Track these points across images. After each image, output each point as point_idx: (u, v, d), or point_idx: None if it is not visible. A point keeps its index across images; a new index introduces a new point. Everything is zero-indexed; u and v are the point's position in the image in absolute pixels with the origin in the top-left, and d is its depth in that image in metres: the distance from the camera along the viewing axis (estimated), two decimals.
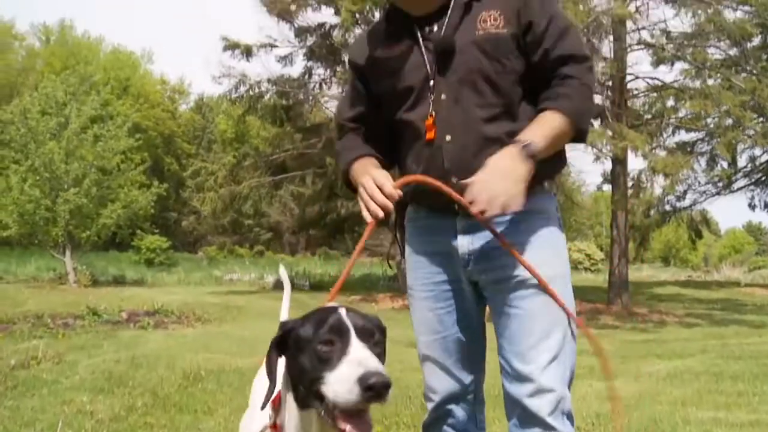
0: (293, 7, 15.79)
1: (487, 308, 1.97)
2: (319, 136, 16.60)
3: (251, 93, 16.34)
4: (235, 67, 16.27)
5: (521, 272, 1.79)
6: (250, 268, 28.20)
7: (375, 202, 1.72)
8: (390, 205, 1.72)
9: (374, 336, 1.39)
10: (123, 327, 8.88)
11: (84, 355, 6.37)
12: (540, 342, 1.77)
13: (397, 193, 1.73)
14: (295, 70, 17.28)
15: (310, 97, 16.99)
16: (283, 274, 2.00)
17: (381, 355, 1.38)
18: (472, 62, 1.78)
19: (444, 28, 1.83)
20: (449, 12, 1.83)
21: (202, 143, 45.19)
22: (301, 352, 1.39)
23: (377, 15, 15.22)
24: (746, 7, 14.03)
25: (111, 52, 43.59)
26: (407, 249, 2.04)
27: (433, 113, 1.81)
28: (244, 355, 6.71)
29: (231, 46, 15.94)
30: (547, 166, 1.82)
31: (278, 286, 18.76)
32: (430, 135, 1.81)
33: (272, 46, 16.39)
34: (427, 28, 1.85)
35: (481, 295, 1.93)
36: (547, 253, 1.83)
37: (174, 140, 42.72)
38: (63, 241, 16.91)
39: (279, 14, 15.70)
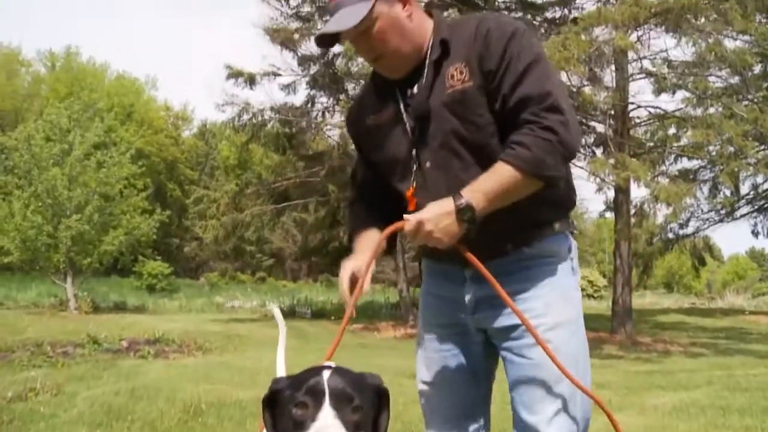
0: (296, 36, 15.92)
1: (498, 355, 1.93)
2: (322, 164, 16.63)
3: (254, 121, 16.42)
4: (239, 95, 16.42)
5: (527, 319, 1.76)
6: (251, 294, 28.16)
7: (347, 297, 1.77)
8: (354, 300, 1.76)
9: (353, 401, 1.31)
10: (123, 356, 8.81)
11: (83, 386, 6.30)
12: (546, 393, 1.74)
13: (365, 285, 1.75)
14: (298, 98, 17.44)
15: (313, 126, 17.06)
16: (278, 316, 1.94)
17: (361, 424, 1.32)
18: (446, 125, 1.74)
19: (419, 91, 1.79)
20: (424, 73, 1.79)
21: (205, 169, 45.33)
22: (281, 412, 1.37)
23: None
24: (746, 37, 14.13)
25: (115, 78, 43.96)
26: (422, 287, 2.05)
27: (414, 184, 1.81)
28: (245, 386, 6.64)
29: (234, 74, 16.05)
30: (555, 208, 1.81)
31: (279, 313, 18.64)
32: (411, 207, 1.79)
33: (275, 74, 16.50)
34: (409, 91, 1.82)
35: (490, 343, 1.90)
36: (553, 298, 1.79)
37: (177, 166, 42.89)
38: (64, 267, 16.89)
39: (282, 43, 15.82)
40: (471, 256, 1.71)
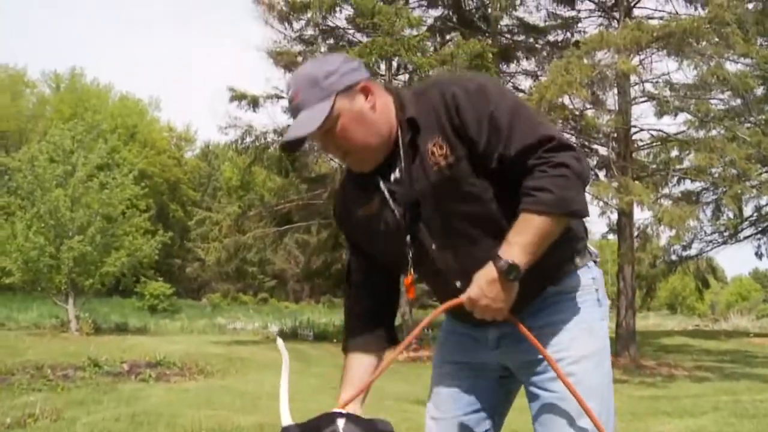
0: (300, 59, 16.01)
1: (510, 394, 1.95)
2: (325, 187, 16.65)
3: (257, 143, 16.47)
4: (242, 117, 16.43)
5: (551, 354, 1.74)
6: (253, 315, 28.10)
7: None
8: None
9: None
10: (124, 379, 8.75)
11: (83, 411, 6.25)
12: (570, 426, 1.72)
13: None
14: None
15: (315, 148, 17.10)
16: (282, 347, 1.90)
17: None
18: (442, 207, 1.70)
19: (401, 178, 1.73)
20: (400, 158, 1.72)
21: (208, 190, 45.44)
22: None
23: (383, 67, 15.44)
24: (747, 60, 14.20)
25: (119, 99, 44.22)
26: (443, 323, 2.02)
27: (411, 271, 1.77)
28: (246, 411, 6.59)
29: (238, 96, 16.13)
30: (572, 242, 1.79)
31: (282, 336, 18.49)
32: (410, 295, 1.77)
33: (278, 97, 16.56)
34: (392, 176, 1.75)
35: (505, 383, 1.90)
36: (577, 332, 1.77)
37: (179, 187, 43.01)
38: (66, 288, 16.85)
39: (285, 66, 15.91)
40: (515, 320, 1.70)
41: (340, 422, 1.32)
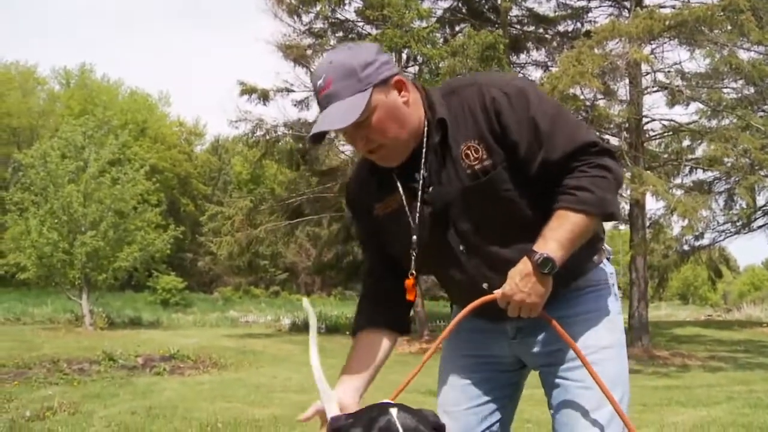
0: (309, 52, 16.00)
1: (520, 386, 1.95)
2: (336, 180, 16.65)
3: (268, 137, 16.49)
4: (252, 111, 16.44)
5: (565, 345, 1.75)
6: (265, 309, 28.20)
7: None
8: None
9: None
10: (139, 373, 8.83)
11: (100, 404, 6.31)
12: (590, 415, 1.73)
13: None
14: (311, 114, 17.42)
15: (326, 141, 17.11)
16: (308, 308, 1.83)
17: None
18: (474, 210, 1.67)
19: (428, 177, 1.69)
20: (423, 160, 1.68)
21: (218, 184, 45.55)
22: None
23: (393, 59, 15.39)
24: (761, 48, 14.05)
25: (129, 95, 44.33)
26: (453, 316, 2.01)
27: (414, 273, 1.75)
28: (260, 404, 6.64)
29: (248, 90, 16.14)
30: (595, 242, 1.79)
31: (294, 328, 18.66)
32: (410, 297, 1.75)
33: (289, 90, 16.59)
34: (416, 174, 1.70)
35: (515, 374, 1.91)
36: (597, 324, 1.79)
37: (190, 181, 43.12)
38: (79, 283, 16.97)
39: (295, 59, 15.91)
40: (548, 317, 1.69)
41: (393, 411, 1.32)
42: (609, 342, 1.78)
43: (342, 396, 1.71)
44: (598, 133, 14.11)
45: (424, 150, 1.68)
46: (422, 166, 1.68)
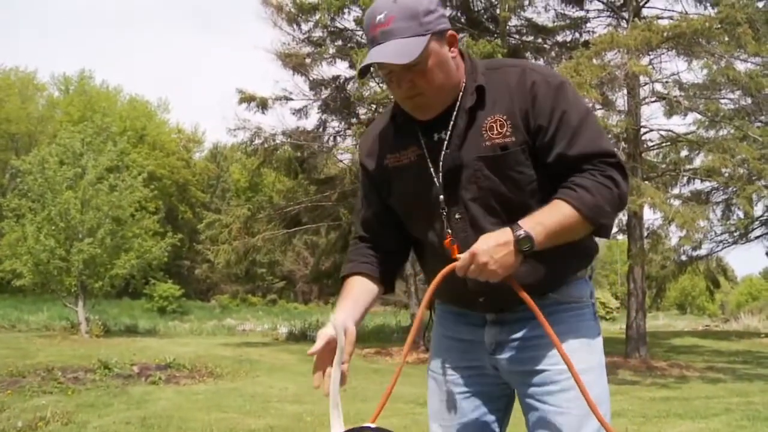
0: (308, 61, 16.00)
1: (512, 396, 1.92)
2: (334, 188, 16.64)
3: (266, 145, 16.47)
4: (251, 119, 16.43)
5: (550, 366, 1.73)
6: (262, 317, 28.15)
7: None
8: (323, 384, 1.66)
9: None
10: (134, 382, 8.78)
11: (94, 414, 6.27)
12: None
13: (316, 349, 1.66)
14: (310, 122, 17.51)
15: (325, 150, 17.10)
16: (339, 329, 1.76)
17: None
18: (482, 180, 1.68)
19: (449, 139, 1.71)
20: (453, 119, 1.70)
21: (216, 192, 45.54)
22: None
23: None
24: (757, 59, 14.09)
25: (128, 101, 44.37)
26: (434, 328, 1.98)
27: (449, 232, 1.73)
28: (256, 414, 6.59)
29: (246, 98, 16.13)
30: (585, 256, 1.79)
31: (291, 338, 18.61)
32: (454, 254, 1.69)
33: (287, 98, 16.57)
34: (435, 135, 1.73)
35: (506, 386, 1.86)
36: (578, 344, 1.75)
37: (188, 188, 43.12)
38: (76, 290, 16.91)
39: (294, 67, 15.91)
40: (518, 286, 1.65)
41: None
42: (589, 365, 1.75)
43: (345, 318, 1.70)
44: None
45: (455, 112, 1.70)
46: (449, 127, 1.70)
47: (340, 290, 1.87)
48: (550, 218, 1.60)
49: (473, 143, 1.68)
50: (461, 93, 1.71)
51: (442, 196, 1.72)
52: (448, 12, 16.70)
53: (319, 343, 1.66)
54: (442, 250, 1.73)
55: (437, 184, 1.72)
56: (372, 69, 1.69)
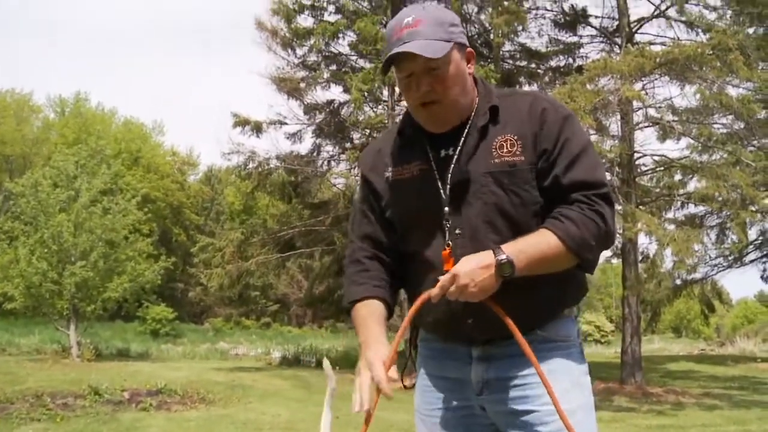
0: (303, 85, 16.07)
1: None
2: (328, 213, 16.62)
3: (260, 170, 16.47)
4: (245, 143, 16.47)
5: (537, 406, 1.70)
6: (256, 341, 27.95)
7: (380, 387, 1.63)
8: (370, 410, 1.65)
9: None
10: (124, 408, 8.67)
11: None
12: None
13: (391, 393, 1.63)
14: (304, 146, 17.47)
15: (319, 174, 17.10)
16: (329, 370, 1.77)
17: None
18: (487, 196, 1.70)
19: (458, 154, 1.74)
20: (464, 135, 1.75)
21: (211, 214, 45.45)
22: None
23: (386, 93, 15.49)
24: (749, 84, 14.21)
25: (123, 123, 44.40)
26: (418, 367, 1.95)
27: (450, 244, 1.72)
28: None
29: (241, 122, 16.15)
30: (569, 296, 1.78)
31: (284, 362, 18.45)
32: (448, 266, 1.68)
33: (281, 123, 16.62)
34: (442, 151, 1.76)
35: (494, 425, 1.82)
36: (567, 384, 1.72)
37: (183, 211, 42.99)
38: (68, 314, 16.76)
39: (289, 92, 15.97)
40: (500, 311, 1.64)
41: None
42: (578, 405, 1.73)
43: (383, 351, 1.68)
44: None
45: (467, 129, 1.75)
46: (460, 143, 1.75)
47: (356, 315, 1.82)
48: (533, 246, 1.62)
49: (482, 159, 1.72)
50: (473, 113, 1.76)
51: (447, 209, 1.73)
52: None
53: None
54: (435, 266, 1.72)
55: (443, 197, 1.73)
56: (392, 71, 1.73)
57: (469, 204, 1.71)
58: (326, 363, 1.78)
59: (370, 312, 1.79)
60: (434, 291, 1.62)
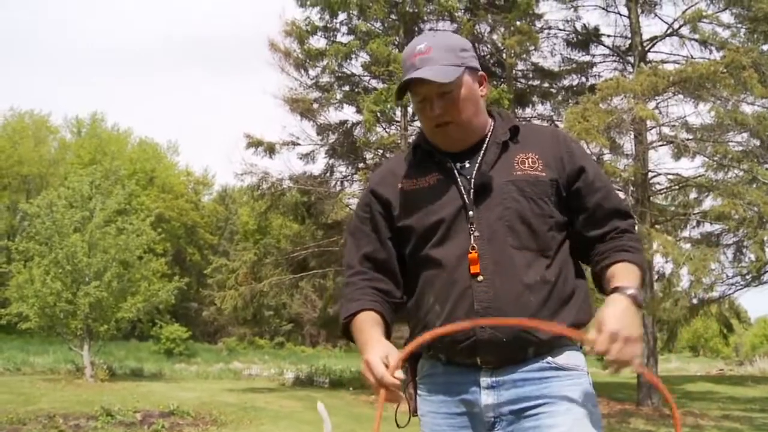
0: (316, 106, 16.14)
1: None
2: (341, 233, 16.61)
3: (273, 190, 16.51)
4: (258, 164, 16.55)
5: None
6: (269, 361, 27.88)
7: (383, 383, 1.63)
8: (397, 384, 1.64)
9: None
10: (136, 429, 8.66)
11: None
12: None
13: (399, 378, 1.63)
14: (317, 167, 17.51)
15: (332, 195, 17.12)
16: (324, 413, 1.79)
17: None
18: (509, 201, 1.74)
19: (479, 164, 1.79)
20: (484, 149, 1.82)
21: (225, 234, 45.57)
22: None
23: (398, 113, 15.53)
24: (764, 101, 14.11)
25: (138, 144, 44.76)
26: (421, 408, 1.88)
27: (475, 246, 1.73)
28: None
29: (254, 143, 16.23)
30: (582, 323, 1.76)
31: (297, 383, 18.37)
32: (474, 269, 1.71)
33: (294, 143, 16.68)
34: (458, 164, 1.82)
35: None
36: (578, 414, 1.70)
37: (197, 231, 43.13)
38: (81, 334, 16.81)
39: (302, 113, 16.04)
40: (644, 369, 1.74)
41: None
42: None
43: (383, 350, 1.68)
44: None
45: (485, 144, 1.83)
46: (479, 154, 1.82)
47: (353, 328, 1.81)
48: (634, 281, 1.69)
49: (504, 170, 1.79)
50: (490, 131, 1.84)
51: (471, 212, 1.75)
52: None
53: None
54: (449, 268, 1.73)
55: (467, 201, 1.76)
56: (407, 96, 1.81)
57: (489, 208, 1.76)
58: (321, 406, 1.78)
59: (366, 319, 1.78)
60: (597, 350, 1.58)
